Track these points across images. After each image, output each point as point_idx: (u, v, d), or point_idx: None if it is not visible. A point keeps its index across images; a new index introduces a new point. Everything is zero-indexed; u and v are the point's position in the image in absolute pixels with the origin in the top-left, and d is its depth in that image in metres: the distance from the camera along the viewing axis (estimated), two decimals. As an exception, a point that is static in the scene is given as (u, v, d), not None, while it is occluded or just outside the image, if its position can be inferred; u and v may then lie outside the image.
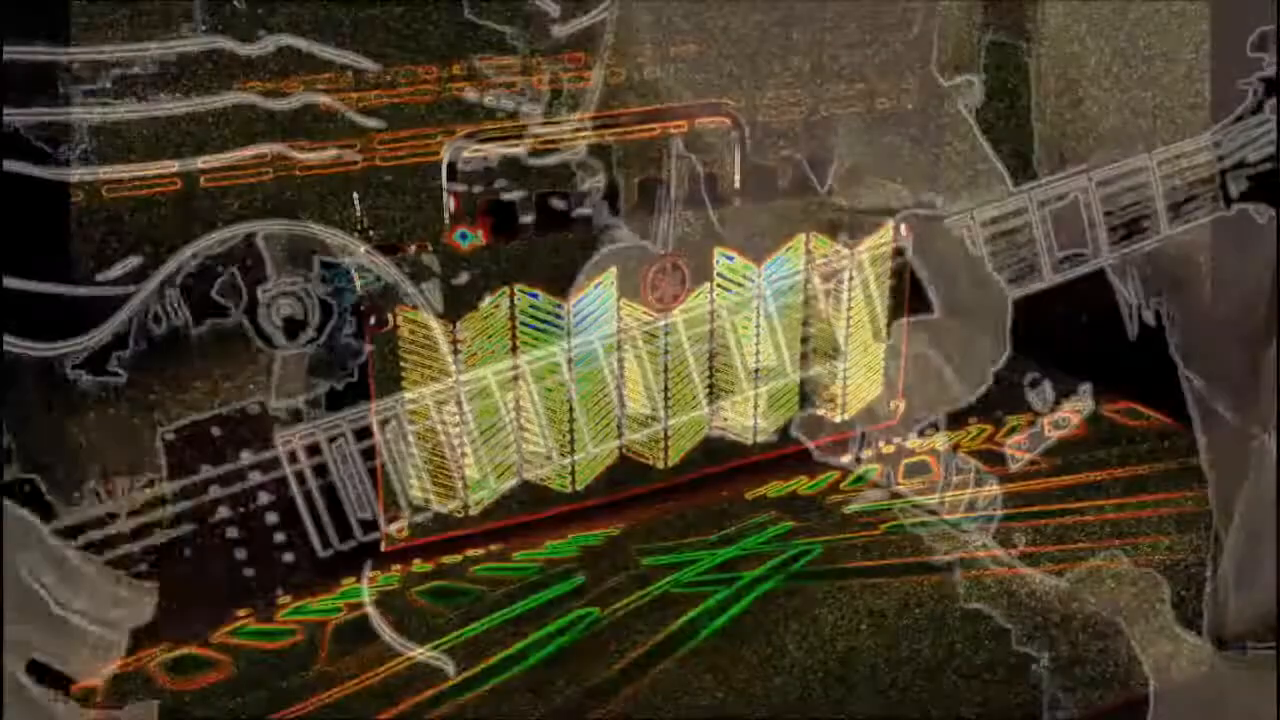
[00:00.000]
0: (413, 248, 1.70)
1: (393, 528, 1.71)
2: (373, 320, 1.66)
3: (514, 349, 1.77)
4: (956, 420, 1.98)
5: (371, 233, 1.69)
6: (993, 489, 1.86)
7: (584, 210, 1.79)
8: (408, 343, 1.70)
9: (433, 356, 1.71)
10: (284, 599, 1.66)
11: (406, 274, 1.63)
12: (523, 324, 1.78)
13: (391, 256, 1.67)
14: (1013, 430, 2.03)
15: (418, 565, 1.77)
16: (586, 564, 1.80)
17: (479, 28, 1.69)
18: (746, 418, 2.00)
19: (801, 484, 2.00)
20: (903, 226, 1.91)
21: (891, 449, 2.02)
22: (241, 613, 1.64)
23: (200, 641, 1.59)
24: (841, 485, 1.99)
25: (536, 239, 1.78)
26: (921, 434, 1.98)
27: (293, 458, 1.43)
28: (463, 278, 1.72)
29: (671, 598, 1.74)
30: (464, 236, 1.74)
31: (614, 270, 1.83)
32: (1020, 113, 1.94)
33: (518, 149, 1.72)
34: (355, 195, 1.70)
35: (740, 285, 1.93)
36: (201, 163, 1.57)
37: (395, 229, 1.72)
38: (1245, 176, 1.69)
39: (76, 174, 1.47)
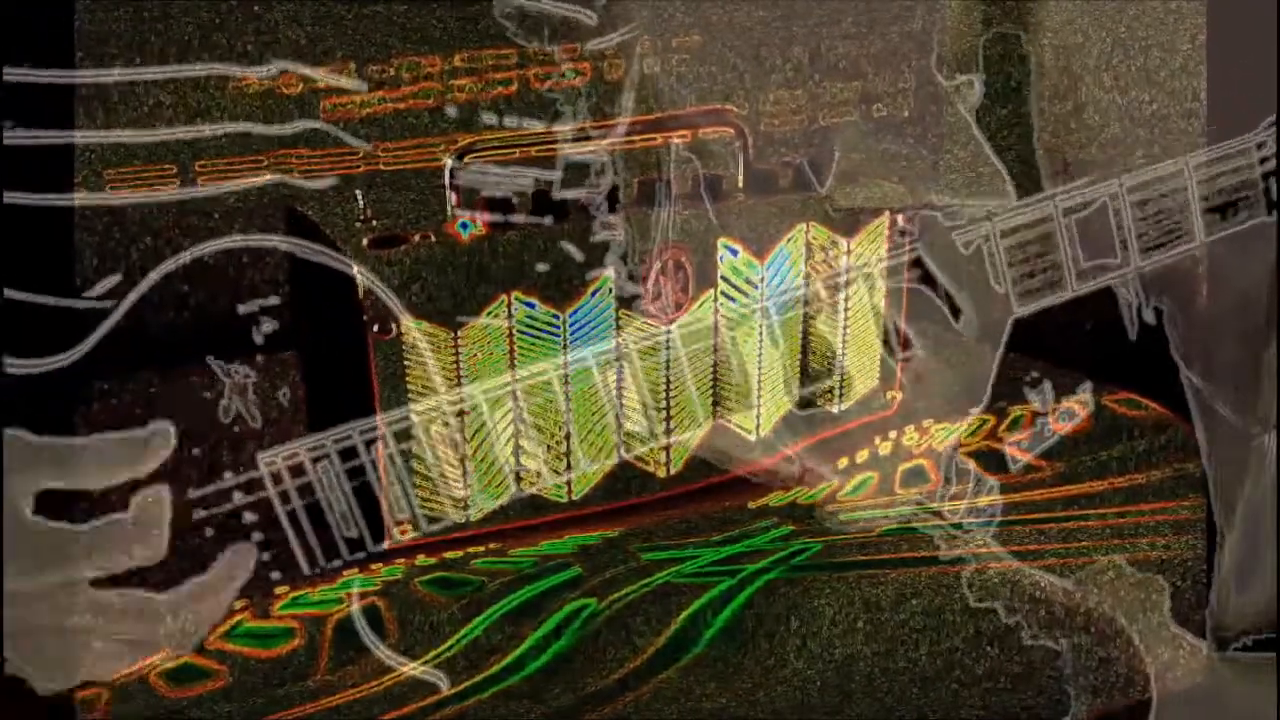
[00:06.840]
0: (416, 237, 1.68)
1: (396, 531, 1.71)
2: (376, 328, 1.64)
3: (512, 363, 1.74)
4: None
5: (375, 223, 1.68)
6: (992, 490, 1.86)
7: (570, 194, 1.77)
8: (411, 351, 1.67)
9: (436, 367, 1.69)
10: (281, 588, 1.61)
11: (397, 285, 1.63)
12: (520, 333, 1.74)
13: (392, 250, 1.65)
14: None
15: (422, 560, 1.76)
16: (583, 559, 1.79)
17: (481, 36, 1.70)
18: (750, 425, 1.99)
19: (801, 494, 2.00)
20: (900, 218, 1.87)
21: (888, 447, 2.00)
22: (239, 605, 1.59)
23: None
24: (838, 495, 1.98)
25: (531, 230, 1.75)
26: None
27: (276, 479, 1.43)
28: (457, 276, 1.70)
29: (673, 587, 1.74)
30: (465, 226, 1.72)
31: (610, 275, 1.82)
32: (1021, 114, 1.93)
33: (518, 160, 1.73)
34: (358, 192, 1.70)
35: (745, 287, 1.91)
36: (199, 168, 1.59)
37: (398, 221, 1.71)
38: None
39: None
